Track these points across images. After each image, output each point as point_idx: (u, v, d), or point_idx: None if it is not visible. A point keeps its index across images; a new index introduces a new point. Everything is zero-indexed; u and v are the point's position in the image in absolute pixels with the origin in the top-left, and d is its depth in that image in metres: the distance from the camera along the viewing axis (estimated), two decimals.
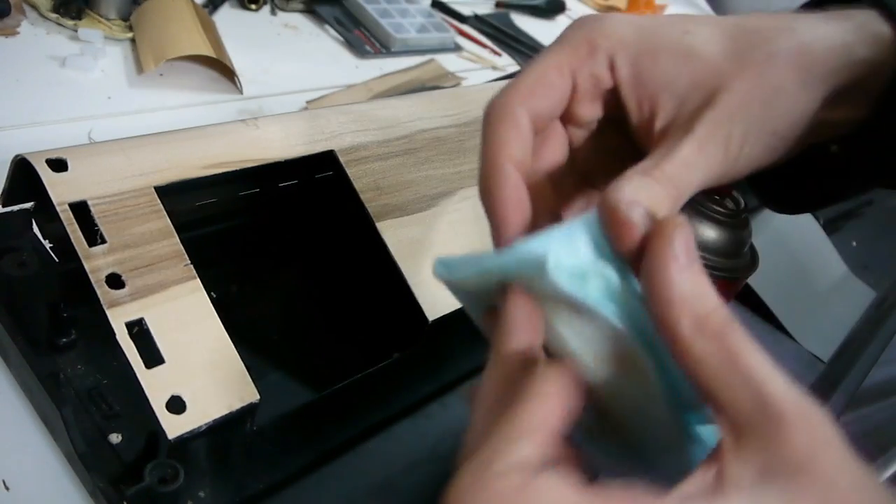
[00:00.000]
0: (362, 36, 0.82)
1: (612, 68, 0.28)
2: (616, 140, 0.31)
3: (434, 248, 0.44)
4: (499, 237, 0.27)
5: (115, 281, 0.34)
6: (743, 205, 0.45)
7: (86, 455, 0.33)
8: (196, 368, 0.34)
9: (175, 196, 0.38)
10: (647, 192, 0.25)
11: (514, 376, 0.24)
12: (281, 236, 0.50)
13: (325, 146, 0.45)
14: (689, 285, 0.22)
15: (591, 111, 0.30)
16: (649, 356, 0.24)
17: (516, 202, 0.27)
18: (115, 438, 0.35)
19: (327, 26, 0.82)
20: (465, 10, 0.98)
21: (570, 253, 0.24)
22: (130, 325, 0.33)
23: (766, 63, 0.27)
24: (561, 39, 0.29)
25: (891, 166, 0.32)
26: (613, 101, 0.29)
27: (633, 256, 0.24)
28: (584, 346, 0.25)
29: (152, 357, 0.33)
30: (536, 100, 0.27)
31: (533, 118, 0.28)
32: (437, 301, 0.42)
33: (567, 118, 0.30)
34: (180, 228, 0.37)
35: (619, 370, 0.25)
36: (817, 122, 0.30)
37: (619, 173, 0.26)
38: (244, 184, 0.46)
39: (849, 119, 0.31)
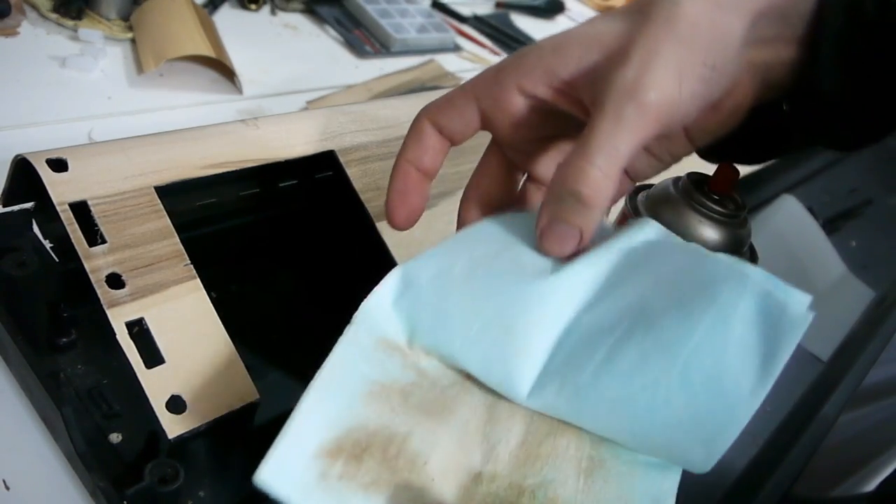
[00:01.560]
0: (362, 36, 0.82)
1: (522, 90, 0.31)
2: None
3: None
4: (388, 217, 0.34)
5: (115, 281, 0.34)
6: (743, 205, 0.45)
7: (86, 455, 0.33)
8: (196, 368, 0.34)
9: (175, 196, 0.38)
10: (579, 177, 0.28)
11: None
12: (281, 236, 0.50)
13: (325, 146, 0.45)
14: None
15: (514, 132, 0.32)
16: None
17: (401, 191, 0.34)
18: (115, 438, 0.35)
19: (327, 26, 0.82)
20: (465, 11, 0.98)
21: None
22: (130, 325, 0.33)
23: (672, 7, 0.28)
24: (476, 76, 0.33)
25: (830, 121, 0.34)
26: (551, 116, 0.32)
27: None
28: None
29: (152, 357, 0.33)
30: (441, 117, 0.33)
31: (443, 131, 0.33)
32: None
33: (498, 141, 0.34)
34: (180, 228, 0.37)
35: None
36: (756, 63, 0.31)
37: None
38: (244, 184, 0.46)
39: (783, 60, 0.32)
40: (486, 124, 0.32)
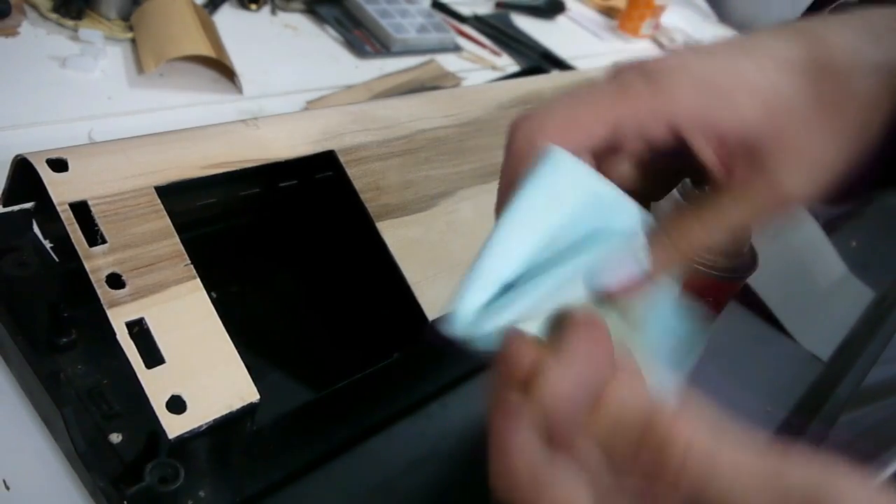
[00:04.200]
0: (362, 36, 0.82)
1: (673, 127, 0.27)
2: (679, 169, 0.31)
3: (434, 248, 0.44)
4: None
5: (115, 281, 0.34)
6: None
7: (86, 455, 0.33)
8: (196, 368, 0.34)
9: (175, 196, 0.38)
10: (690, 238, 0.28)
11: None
12: (281, 236, 0.50)
13: (325, 146, 0.45)
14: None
15: (638, 159, 0.29)
16: None
17: None
18: (115, 438, 0.35)
19: (327, 26, 0.82)
20: (465, 10, 0.98)
21: None
22: (131, 325, 0.33)
23: (846, 107, 0.27)
24: (611, 83, 0.27)
25: None
26: (676, 153, 0.28)
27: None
28: None
29: (152, 357, 0.33)
30: (563, 137, 0.26)
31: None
32: (437, 301, 0.42)
33: (608, 168, 0.29)
34: (180, 228, 0.37)
35: None
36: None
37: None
38: (244, 184, 0.46)
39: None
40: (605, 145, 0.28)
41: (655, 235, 0.28)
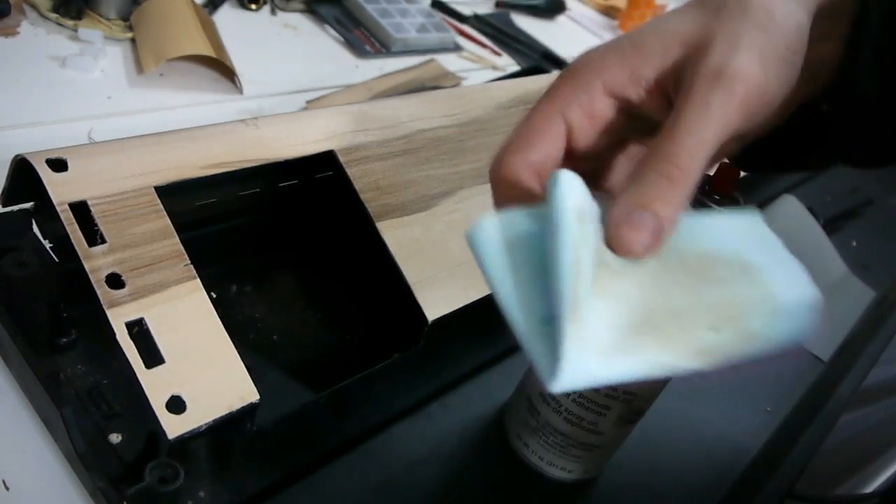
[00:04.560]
0: (362, 36, 0.82)
1: (610, 92, 0.29)
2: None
3: (434, 248, 0.44)
4: None
5: (115, 281, 0.34)
6: (743, 205, 0.45)
7: (86, 455, 0.33)
8: (196, 368, 0.34)
9: (175, 196, 0.38)
10: (666, 157, 0.26)
11: None
12: (281, 236, 0.50)
13: (325, 146, 0.45)
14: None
15: (597, 142, 0.30)
16: None
17: None
18: (115, 438, 0.35)
19: (327, 26, 0.82)
20: (465, 10, 0.98)
21: None
22: (130, 325, 0.33)
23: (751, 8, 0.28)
24: (548, 88, 0.30)
25: (866, 128, 0.33)
26: (631, 119, 0.30)
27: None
28: None
29: (152, 357, 0.33)
30: (533, 153, 0.29)
31: (535, 170, 0.29)
32: (437, 301, 0.42)
33: (576, 155, 0.30)
34: (180, 228, 0.37)
35: None
36: (810, 58, 0.30)
37: None
38: (244, 184, 0.46)
39: (831, 58, 0.32)
40: (569, 139, 0.30)
41: (637, 173, 0.27)
